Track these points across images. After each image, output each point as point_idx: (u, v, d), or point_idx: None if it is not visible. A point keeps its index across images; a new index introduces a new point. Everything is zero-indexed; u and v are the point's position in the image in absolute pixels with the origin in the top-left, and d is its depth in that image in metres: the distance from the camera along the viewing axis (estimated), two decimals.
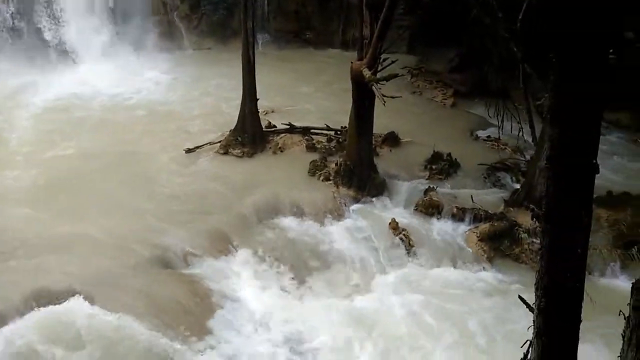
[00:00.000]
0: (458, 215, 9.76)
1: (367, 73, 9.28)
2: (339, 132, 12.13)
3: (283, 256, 8.78)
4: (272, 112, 13.70)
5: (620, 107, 12.87)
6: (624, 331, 3.09)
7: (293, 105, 14.28)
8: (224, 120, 13.12)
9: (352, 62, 10.06)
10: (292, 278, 8.52)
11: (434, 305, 8.07)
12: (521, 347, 3.21)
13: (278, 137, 12.17)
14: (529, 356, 3.12)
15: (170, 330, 7.09)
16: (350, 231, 9.45)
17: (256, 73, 11.67)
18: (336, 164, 10.73)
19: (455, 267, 9.03)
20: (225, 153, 11.65)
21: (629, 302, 3.03)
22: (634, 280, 3.05)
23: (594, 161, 2.56)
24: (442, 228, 9.64)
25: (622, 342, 3.12)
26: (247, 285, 8.25)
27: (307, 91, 15.54)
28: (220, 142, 11.91)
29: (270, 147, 11.92)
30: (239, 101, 11.96)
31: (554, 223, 2.70)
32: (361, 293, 8.49)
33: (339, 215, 9.86)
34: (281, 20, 20.18)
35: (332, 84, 15.55)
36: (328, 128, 12.41)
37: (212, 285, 8.01)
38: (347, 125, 10.82)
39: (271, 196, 10.04)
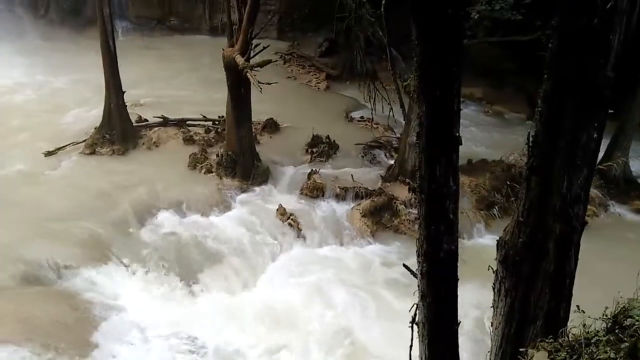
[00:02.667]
0: (341, 195, 10.12)
1: (240, 60, 9.10)
2: (216, 122, 11.81)
3: (169, 257, 8.37)
4: (142, 104, 12.91)
5: (473, 82, 14.27)
6: (493, 284, 3.44)
7: (164, 96, 13.58)
8: (88, 118, 12.05)
9: (223, 49, 9.80)
10: (181, 279, 8.16)
11: (323, 283, 8.29)
12: (409, 310, 3.41)
13: (151, 132, 11.52)
14: (416, 319, 3.33)
15: (50, 352, 6.40)
16: (238, 222, 9.31)
17: (119, 63, 10.87)
18: (217, 155, 10.46)
19: (342, 244, 9.37)
20: (92, 153, 10.75)
21: (495, 257, 3.37)
22: (498, 238, 3.40)
23: (457, 134, 2.77)
24: (327, 209, 9.92)
25: (493, 293, 3.47)
26: (131, 292, 7.74)
27: (177, 81, 14.86)
28: (85, 141, 10.95)
29: (143, 143, 11.25)
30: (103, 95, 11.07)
31: (427, 193, 2.90)
32: (253, 283, 8.43)
33: (225, 208, 9.65)
34: (141, 6, 19.03)
35: (203, 72, 15.06)
36: (205, 119, 12.02)
37: (92, 297, 7.39)
38: (225, 115, 10.58)
39: (150, 195, 9.49)
